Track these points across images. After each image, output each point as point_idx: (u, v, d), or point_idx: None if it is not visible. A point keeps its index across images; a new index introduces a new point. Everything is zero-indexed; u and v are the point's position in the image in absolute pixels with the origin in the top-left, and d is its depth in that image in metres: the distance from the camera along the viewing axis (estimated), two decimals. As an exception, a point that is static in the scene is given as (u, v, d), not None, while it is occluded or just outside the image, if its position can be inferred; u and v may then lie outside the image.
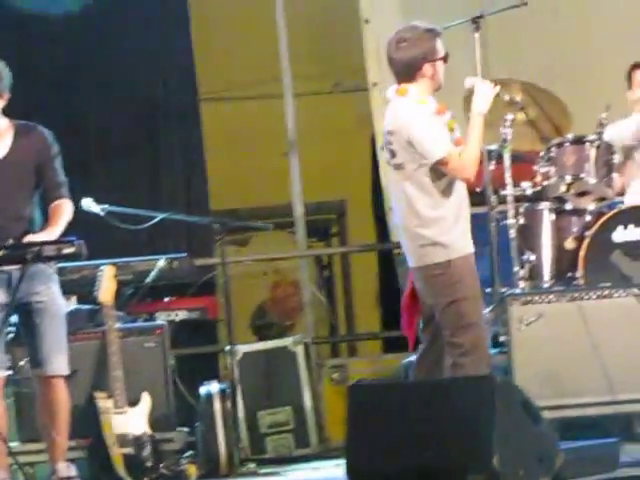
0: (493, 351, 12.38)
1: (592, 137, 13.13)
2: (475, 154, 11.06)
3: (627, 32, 14.67)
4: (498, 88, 11.30)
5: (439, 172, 11.02)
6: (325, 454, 12.28)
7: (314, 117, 15.59)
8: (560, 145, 13.30)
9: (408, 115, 11.08)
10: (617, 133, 13.30)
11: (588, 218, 13.23)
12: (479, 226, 12.81)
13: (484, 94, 11.17)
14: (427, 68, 11.05)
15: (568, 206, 13.28)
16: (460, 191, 11.23)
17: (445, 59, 11.13)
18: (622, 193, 13.39)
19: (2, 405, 10.81)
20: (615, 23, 14.74)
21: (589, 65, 14.50)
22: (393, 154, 11.18)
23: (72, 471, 10.81)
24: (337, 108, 16.13)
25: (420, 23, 11.28)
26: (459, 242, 11.15)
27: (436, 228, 11.10)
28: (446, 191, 11.14)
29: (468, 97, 11.53)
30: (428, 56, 11.04)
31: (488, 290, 12.74)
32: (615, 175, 13.30)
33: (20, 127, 10.85)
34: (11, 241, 10.31)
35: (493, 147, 12.91)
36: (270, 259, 15.57)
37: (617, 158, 13.29)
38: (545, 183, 13.27)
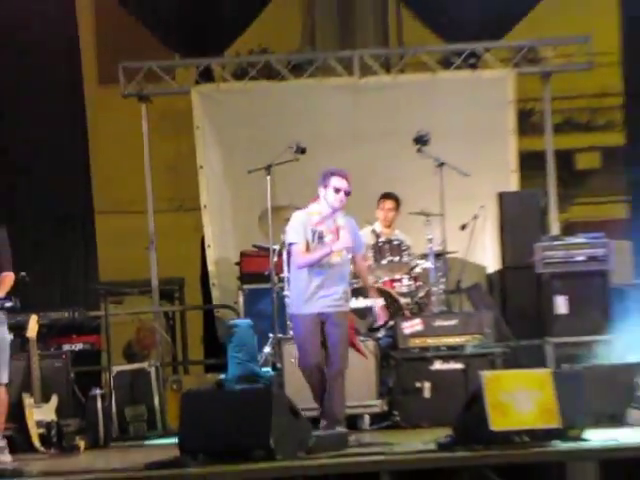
0: (272, 373, 12.33)
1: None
2: (308, 259, 10.62)
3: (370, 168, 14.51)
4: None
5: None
6: (166, 435, 12.16)
7: (168, 226, 15.50)
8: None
9: None
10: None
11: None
12: (267, 295, 13.09)
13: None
14: (321, 190, 10.76)
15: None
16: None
17: (336, 190, 10.66)
18: None
19: None
20: (362, 162, 14.47)
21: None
22: None
23: (2, 442, 10.63)
24: (180, 221, 16.01)
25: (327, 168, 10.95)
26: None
27: None
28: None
29: None
30: (320, 184, 10.74)
31: (270, 335, 12.68)
32: None
33: None
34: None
35: (276, 246, 12.77)
36: (136, 313, 15.30)
37: None
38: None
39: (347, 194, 10.76)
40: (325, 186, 10.79)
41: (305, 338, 10.73)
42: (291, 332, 12.07)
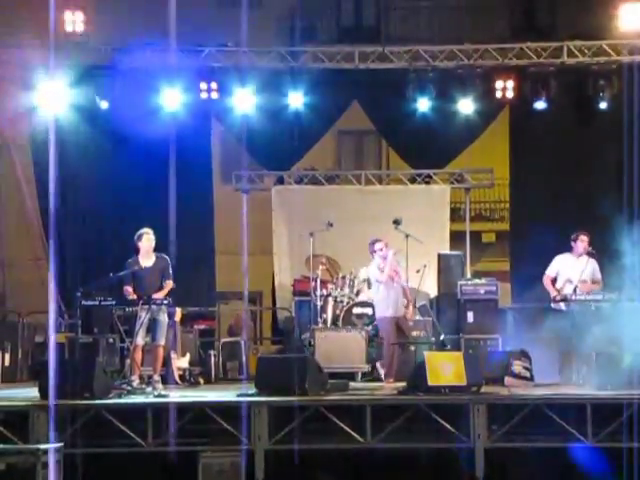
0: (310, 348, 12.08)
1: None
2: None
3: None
4: None
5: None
6: (248, 379, 11.69)
7: (255, 262, 14.95)
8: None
9: None
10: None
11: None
12: (307, 304, 12.86)
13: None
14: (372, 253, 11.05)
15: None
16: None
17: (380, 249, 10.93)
18: None
19: (140, 354, 10.27)
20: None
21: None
22: None
23: (158, 378, 10.43)
24: (262, 260, 15.29)
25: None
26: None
27: None
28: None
29: None
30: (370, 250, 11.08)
31: (308, 326, 12.47)
32: None
33: (157, 254, 10.53)
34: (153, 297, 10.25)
35: (315, 277, 12.59)
36: (234, 309, 15.11)
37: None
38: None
39: (386, 246, 11.04)
40: (373, 251, 11.08)
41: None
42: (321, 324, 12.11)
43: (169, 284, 10.42)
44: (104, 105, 13.61)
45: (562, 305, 10.82)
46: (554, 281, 11.12)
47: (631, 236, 11.47)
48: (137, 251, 10.51)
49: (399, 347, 10.90)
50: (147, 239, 10.43)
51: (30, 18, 13.43)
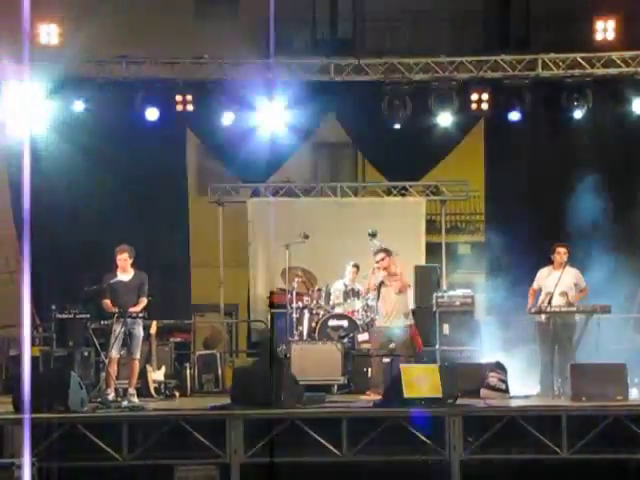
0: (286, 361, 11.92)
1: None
2: None
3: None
4: None
5: None
6: (224, 392, 11.82)
7: (231, 274, 14.91)
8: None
9: None
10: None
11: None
12: (283, 316, 12.71)
13: None
14: None
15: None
16: None
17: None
18: None
19: (115, 367, 10.44)
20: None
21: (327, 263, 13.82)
22: None
23: (133, 391, 10.60)
24: (238, 272, 15.10)
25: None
26: None
27: None
28: None
29: None
30: None
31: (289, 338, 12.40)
32: None
33: (136, 270, 10.65)
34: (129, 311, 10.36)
35: (291, 289, 12.59)
36: (211, 322, 15.04)
37: None
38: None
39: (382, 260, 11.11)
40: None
41: None
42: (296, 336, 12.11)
43: (143, 301, 10.52)
44: (79, 107, 13.43)
45: (541, 316, 10.83)
46: (537, 294, 11.08)
47: (606, 247, 11.66)
48: (116, 265, 10.59)
49: (378, 357, 10.97)
50: (119, 259, 10.54)
51: (2, 30, 13.41)
